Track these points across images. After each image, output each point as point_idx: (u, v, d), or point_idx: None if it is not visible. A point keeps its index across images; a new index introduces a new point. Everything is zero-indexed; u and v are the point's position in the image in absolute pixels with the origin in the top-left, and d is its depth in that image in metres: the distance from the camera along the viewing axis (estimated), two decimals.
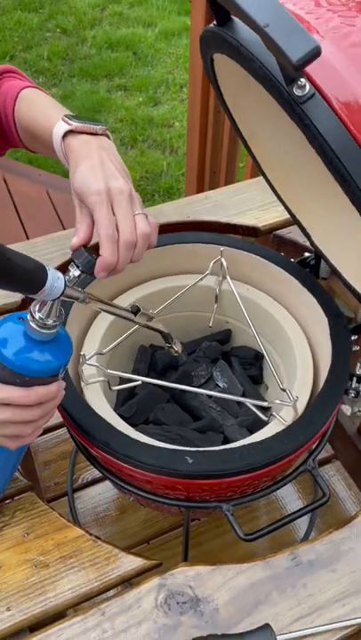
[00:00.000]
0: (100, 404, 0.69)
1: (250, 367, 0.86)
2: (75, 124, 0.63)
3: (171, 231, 0.86)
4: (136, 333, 0.79)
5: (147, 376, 0.83)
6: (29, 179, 2.13)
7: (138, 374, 0.83)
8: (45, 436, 1.05)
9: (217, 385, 0.83)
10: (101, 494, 0.99)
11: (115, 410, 0.80)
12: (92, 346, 0.75)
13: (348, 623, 0.56)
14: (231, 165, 1.49)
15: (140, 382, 0.77)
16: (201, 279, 0.82)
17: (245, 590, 0.58)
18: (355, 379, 0.69)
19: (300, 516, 0.65)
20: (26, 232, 1.95)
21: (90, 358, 0.71)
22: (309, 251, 0.84)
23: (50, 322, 0.51)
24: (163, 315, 0.85)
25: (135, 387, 0.83)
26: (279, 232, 0.93)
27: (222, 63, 0.60)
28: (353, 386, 0.68)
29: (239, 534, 0.61)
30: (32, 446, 1.04)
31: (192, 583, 0.59)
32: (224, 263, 0.81)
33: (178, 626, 0.56)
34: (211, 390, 0.80)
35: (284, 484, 0.68)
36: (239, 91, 0.65)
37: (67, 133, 0.63)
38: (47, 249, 0.89)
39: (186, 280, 0.83)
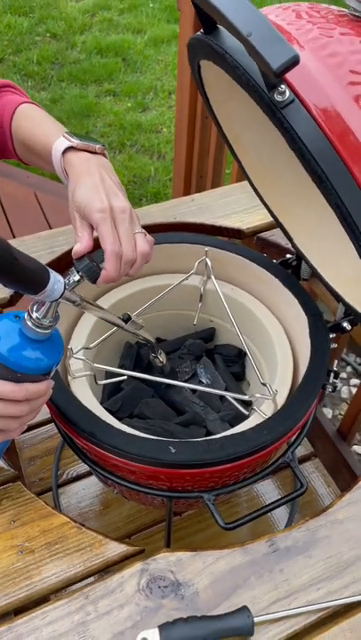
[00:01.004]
0: (86, 396, 0.71)
1: (233, 364, 0.88)
2: (75, 142, 0.66)
3: (157, 232, 0.89)
4: (122, 331, 0.82)
5: (132, 372, 0.85)
6: (17, 180, 2.14)
7: (124, 369, 0.85)
8: (31, 432, 1.07)
9: (200, 381, 0.86)
10: (85, 489, 1.01)
11: (101, 404, 0.82)
12: (79, 340, 0.77)
13: (322, 606, 0.58)
14: (218, 170, 1.52)
15: (125, 377, 0.79)
16: (186, 278, 0.84)
17: (225, 575, 0.60)
18: (332, 374, 0.72)
19: (278, 506, 0.68)
20: (13, 234, 1.96)
21: (77, 352, 0.73)
22: (291, 253, 0.87)
23: (46, 322, 0.53)
24: (148, 313, 0.88)
25: (121, 382, 0.85)
26: (263, 234, 0.96)
27: (208, 69, 0.63)
28: (330, 381, 0.71)
29: (220, 523, 0.64)
30: (17, 442, 1.05)
31: (173, 568, 0.61)
32: (209, 263, 0.83)
33: (159, 608, 0.58)
34: (195, 385, 0.82)
35: (264, 476, 0.71)
36: (225, 96, 0.68)
37: (67, 150, 0.66)
38: (35, 247, 0.91)
39: (171, 279, 0.85)
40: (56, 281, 0.51)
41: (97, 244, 0.62)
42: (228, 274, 0.85)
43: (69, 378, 0.73)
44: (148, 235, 0.65)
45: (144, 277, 0.85)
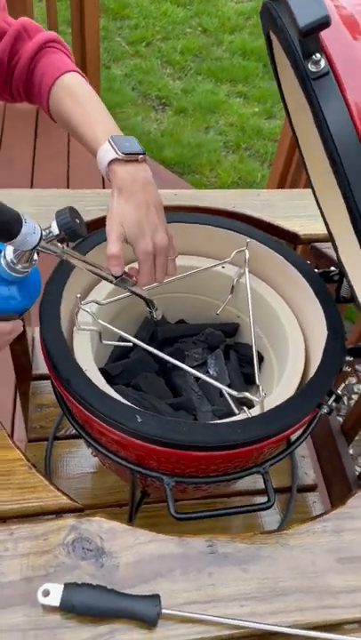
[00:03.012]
0: (82, 349, 0.71)
1: (247, 365, 0.85)
2: (121, 155, 0.67)
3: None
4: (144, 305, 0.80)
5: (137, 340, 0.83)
6: None
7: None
8: (48, 380, 1.08)
9: (208, 372, 0.83)
10: (80, 450, 1.01)
11: (105, 365, 0.81)
12: (96, 295, 0.77)
13: (239, 623, 0.54)
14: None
15: (131, 344, 0.78)
16: (218, 266, 0.82)
17: (151, 559, 0.58)
18: (334, 396, 0.67)
19: (234, 513, 0.65)
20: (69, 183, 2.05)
21: (85, 304, 0.73)
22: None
23: (19, 267, 0.54)
24: (175, 292, 0.86)
25: (129, 350, 0.85)
26: (319, 245, 0.91)
27: (276, 44, 0.60)
28: (329, 402, 0.66)
29: (171, 510, 0.61)
30: (32, 386, 1.07)
31: (103, 535, 0.59)
32: (247, 255, 0.80)
33: (75, 568, 0.56)
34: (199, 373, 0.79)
35: (232, 479, 0.67)
36: (293, 86, 0.65)
37: (112, 160, 0.67)
38: (91, 200, 0.92)
39: (203, 263, 0.83)
40: (29, 232, 0.52)
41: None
42: (264, 270, 0.82)
43: (74, 328, 0.73)
44: (176, 259, 0.73)
45: (179, 255, 0.83)
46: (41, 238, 0.53)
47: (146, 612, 0.53)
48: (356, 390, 1.64)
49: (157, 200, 0.70)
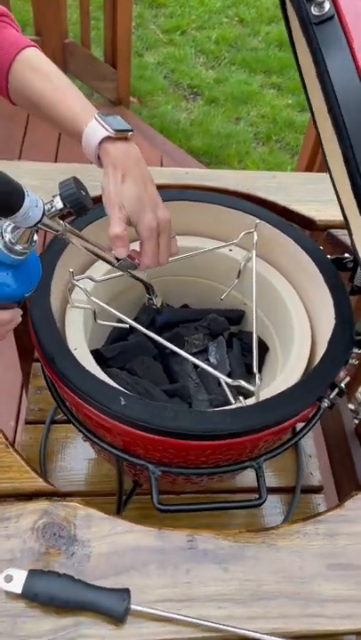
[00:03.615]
0: (73, 328, 0.68)
1: (250, 355, 0.80)
2: (112, 131, 0.63)
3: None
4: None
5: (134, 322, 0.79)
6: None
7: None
8: None
9: (208, 359, 0.79)
10: (76, 435, 0.98)
11: (101, 347, 0.78)
12: (92, 273, 0.74)
13: (214, 626, 0.50)
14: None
15: (127, 326, 0.74)
16: (224, 247, 0.77)
17: (126, 551, 0.54)
18: (336, 390, 0.62)
19: (226, 508, 0.61)
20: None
21: (79, 280, 0.70)
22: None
23: (19, 247, 0.48)
24: (180, 276, 0.82)
25: (128, 333, 0.81)
26: (335, 231, 0.86)
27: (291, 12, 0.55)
28: (331, 396, 0.61)
29: (154, 501, 0.57)
30: (34, 367, 1.05)
31: (78, 522, 0.55)
32: (255, 237, 0.76)
33: (43, 555, 0.53)
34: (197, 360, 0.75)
35: (223, 472, 0.63)
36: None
37: (103, 139, 0.64)
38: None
39: (209, 244, 0.79)
40: (32, 206, 0.46)
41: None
42: (273, 255, 0.77)
43: (68, 306, 0.70)
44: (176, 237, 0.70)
45: (184, 235, 0.79)
46: (43, 213, 0.47)
47: (113, 607, 0.49)
48: None
49: (151, 176, 0.67)
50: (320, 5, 0.38)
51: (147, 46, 2.88)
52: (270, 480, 0.94)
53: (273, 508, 0.92)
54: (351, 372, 1.22)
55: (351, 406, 1.59)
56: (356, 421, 1.20)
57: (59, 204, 0.53)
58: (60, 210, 0.53)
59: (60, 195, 0.53)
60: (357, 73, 0.38)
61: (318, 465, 0.97)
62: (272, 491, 0.93)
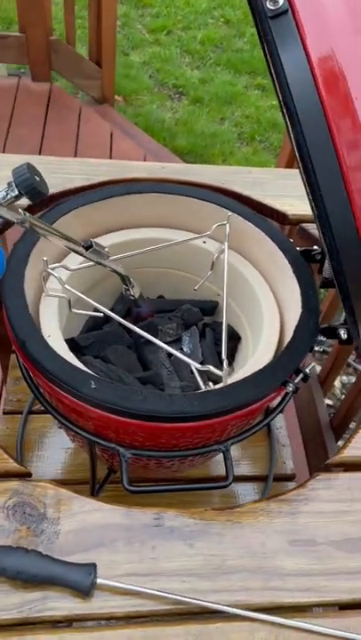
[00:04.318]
0: (48, 316, 0.69)
1: (222, 344, 0.82)
2: None
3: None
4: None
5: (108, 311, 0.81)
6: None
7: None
8: None
9: (181, 348, 0.80)
10: (54, 425, 0.99)
11: (76, 336, 0.79)
12: (70, 261, 0.75)
13: (178, 598, 0.52)
14: None
15: (101, 315, 0.75)
16: (196, 238, 0.79)
17: (94, 528, 0.55)
18: (301, 375, 0.64)
19: (191, 489, 0.62)
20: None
21: (54, 269, 0.71)
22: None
23: None
24: (153, 267, 0.84)
25: (103, 322, 0.82)
26: (307, 225, 0.88)
27: None
28: (296, 381, 0.63)
29: (124, 482, 0.59)
30: (12, 358, 1.06)
31: (47, 501, 0.57)
32: (227, 229, 0.78)
33: (13, 533, 0.54)
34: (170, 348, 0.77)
35: (191, 455, 0.65)
36: None
37: None
38: (74, 169, 0.90)
39: (182, 236, 0.80)
40: None
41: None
42: (244, 246, 0.79)
43: (43, 295, 0.71)
44: None
45: (153, 227, 0.81)
46: None
47: (79, 581, 0.51)
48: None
49: None
50: (275, 1, 0.40)
51: (132, 45, 2.90)
52: (245, 468, 0.96)
53: (247, 495, 0.94)
54: (326, 367, 1.25)
55: (329, 401, 1.62)
56: (331, 415, 1.23)
57: (14, 191, 0.53)
58: (16, 196, 0.53)
59: (13, 181, 0.53)
60: (309, 64, 0.40)
61: (291, 454, 0.99)
62: (247, 479, 0.95)
